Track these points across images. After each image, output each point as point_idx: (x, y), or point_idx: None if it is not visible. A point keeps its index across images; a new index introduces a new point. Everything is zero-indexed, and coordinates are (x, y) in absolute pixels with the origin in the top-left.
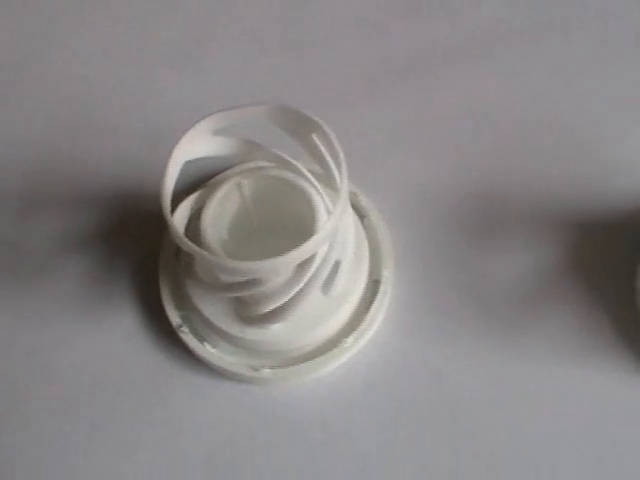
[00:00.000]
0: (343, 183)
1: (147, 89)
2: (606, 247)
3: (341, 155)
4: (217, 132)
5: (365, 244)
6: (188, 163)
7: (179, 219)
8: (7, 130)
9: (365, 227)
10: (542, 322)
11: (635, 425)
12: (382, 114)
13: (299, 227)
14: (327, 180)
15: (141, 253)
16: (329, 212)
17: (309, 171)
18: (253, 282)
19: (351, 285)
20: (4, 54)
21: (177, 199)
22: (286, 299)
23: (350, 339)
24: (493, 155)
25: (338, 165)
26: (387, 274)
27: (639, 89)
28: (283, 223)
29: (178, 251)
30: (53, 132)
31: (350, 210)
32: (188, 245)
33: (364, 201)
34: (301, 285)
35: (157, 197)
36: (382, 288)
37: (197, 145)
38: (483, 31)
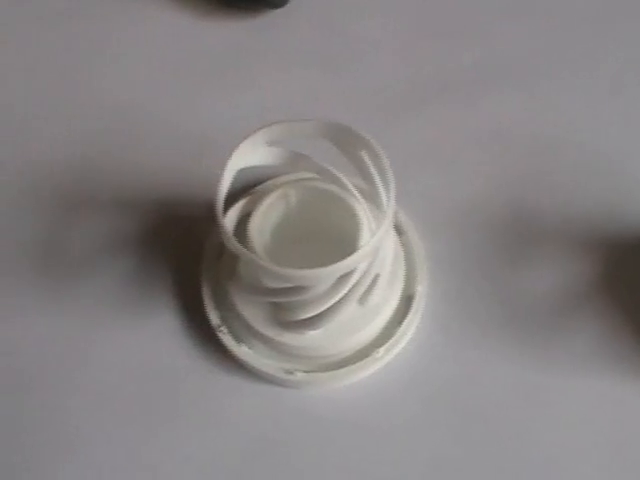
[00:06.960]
0: (390, 204)
1: (194, 101)
2: (636, 265)
3: (390, 175)
4: (270, 143)
5: (402, 260)
6: (238, 171)
7: (229, 223)
8: (61, 133)
9: (403, 244)
10: (570, 336)
11: None
12: (418, 132)
13: (341, 239)
14: (371, 196)
15: (184, 256)
16: (371, 228)
17: (353, 185)
18: (295, 289)
19: (386, 298)
20: (63, 62)
21: (225, 204)
22: (324, 308)
23: (382, 350)
24: (525, 173)
25: (386, 185)
26: (421, 290)
27: None
28: (325, 234)
29: (221, 254)
30: (106, 138)
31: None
32: (240, 249)
33: (402, 218)
34: (340, 296)
35: (201, 202)
36: (415, 303)
37: (251, 154)
38: (514, 55)
